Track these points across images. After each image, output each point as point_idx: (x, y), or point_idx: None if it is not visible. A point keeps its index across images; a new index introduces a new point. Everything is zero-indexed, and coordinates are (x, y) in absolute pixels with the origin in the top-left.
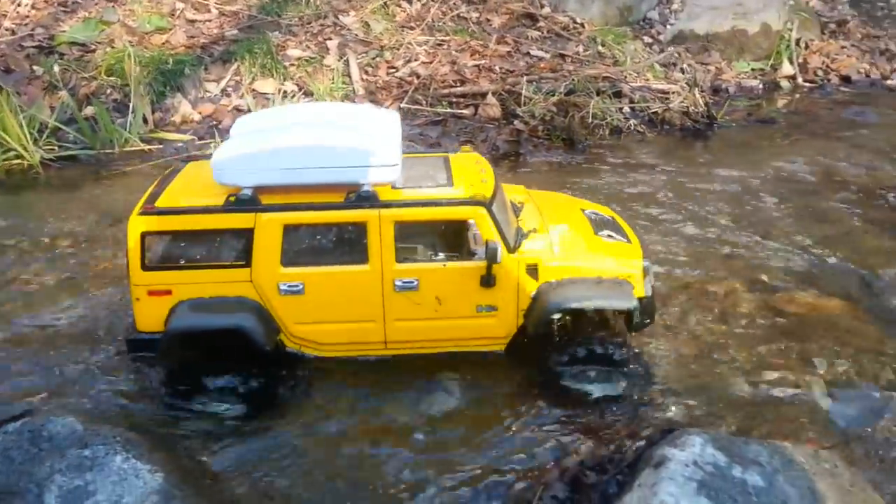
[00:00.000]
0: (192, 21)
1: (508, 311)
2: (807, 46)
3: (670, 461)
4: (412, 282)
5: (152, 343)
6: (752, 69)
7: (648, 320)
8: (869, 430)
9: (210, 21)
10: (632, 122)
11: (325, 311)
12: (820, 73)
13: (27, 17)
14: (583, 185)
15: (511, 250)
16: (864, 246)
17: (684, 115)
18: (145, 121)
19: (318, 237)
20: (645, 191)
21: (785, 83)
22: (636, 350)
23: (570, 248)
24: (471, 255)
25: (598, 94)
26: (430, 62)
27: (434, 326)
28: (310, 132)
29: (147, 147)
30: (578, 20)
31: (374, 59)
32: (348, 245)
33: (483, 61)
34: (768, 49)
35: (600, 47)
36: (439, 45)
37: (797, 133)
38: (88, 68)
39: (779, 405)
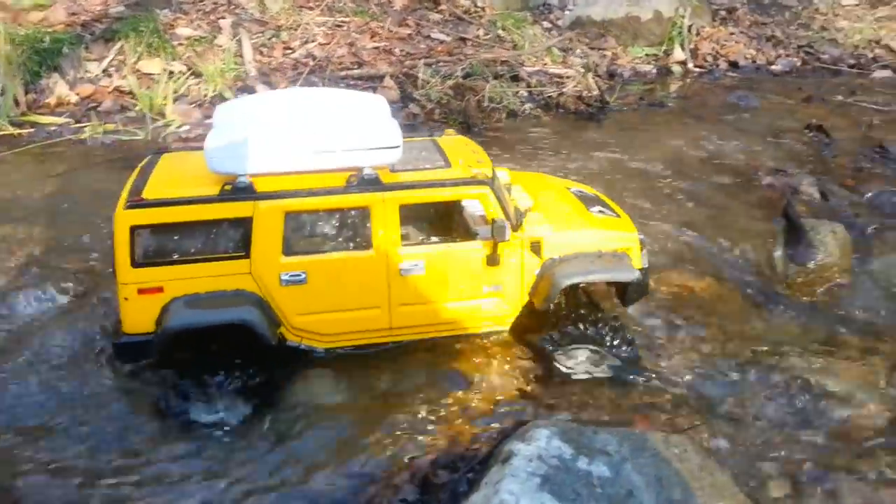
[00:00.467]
0: None
1: (515, 290)
2: (698, 33)
3: (515, 456)
4: (417, 264)
5: (143, 346)
6: (647, 54)
7: (644, 291)
8: (725, 409)
9: None
10: (527, 105)
11: (329, 300)
12: (710, 58)
13: None
14: None
15: (515, 228)
16: (736, 226)
17: (578, 99)
18: (17, 103)
19: (320, 224)
20: (537, 169)
21: (677, 68)
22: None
23: (569, 224)
24: (473, 235)
25: (496, 78)
26: (328, 43)
27: (440, 309)
28: (307, 116)
29: (17, 131)
30: (479, 4)
31: (269, 39)
32: (351, 231)
33: (383, 43)
34: (661, 35)
35: (500, 31)
36: (339, 26)
37: (684, 117)
38: None
39: (642, 389)
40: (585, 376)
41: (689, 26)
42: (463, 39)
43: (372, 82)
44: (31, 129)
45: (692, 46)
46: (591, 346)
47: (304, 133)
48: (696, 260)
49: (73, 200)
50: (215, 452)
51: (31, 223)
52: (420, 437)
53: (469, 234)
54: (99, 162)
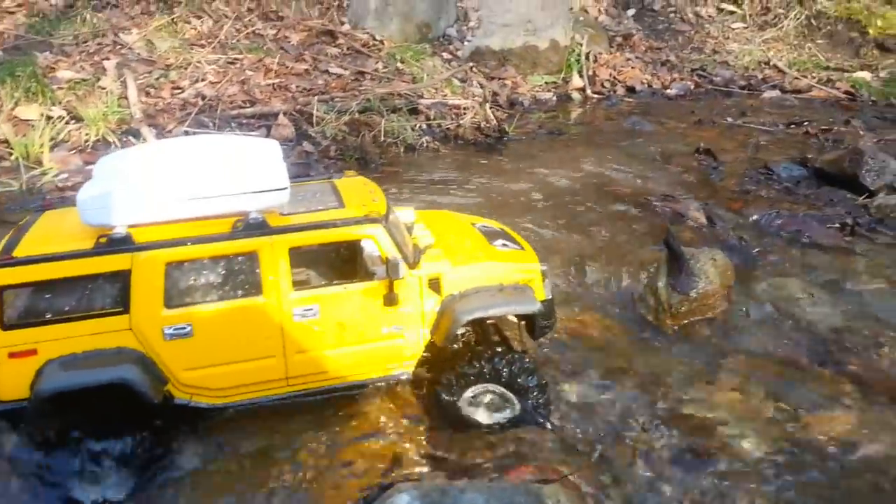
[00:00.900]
0: None
1: (415, 329)
2: (596, 59)
3: None
4: (312, 308)
5: (16, 413)
6: (546, 82)
7: (552, 323)
8: (607, 449)
9: None
10: (425, 138)
11: (219, 353)
12: (607, 84)
13: None
14: None
15: (411, 266)
16: (626, 256)
17: (477, 130)
18: None
19: (205, 273)
20: (434, 204)
21: (576, 95)
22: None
23: (469, 259)
24: (369, 275)
25: (394, 112)
26: (219, 82)
27: (339, 355)
28: (188, 162)
29: None
30: (378, 37)
31: (157, 79)
32: (239, 277)
33: (278, 80)
34: (559, 63)
35: (399, 64)
36: (231, 63)
37: (582, 143)
38: None
39: (528, 432)
40: (480, 419)
41: (587, 53)
42: (361, 73)
43: (266, 120)
44: None
45: (590, 73)
46: (490, 386)
47: (181, 180)
48: (585, 293)
49: None
50: None
51: None
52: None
53: (369, 275)
54: None
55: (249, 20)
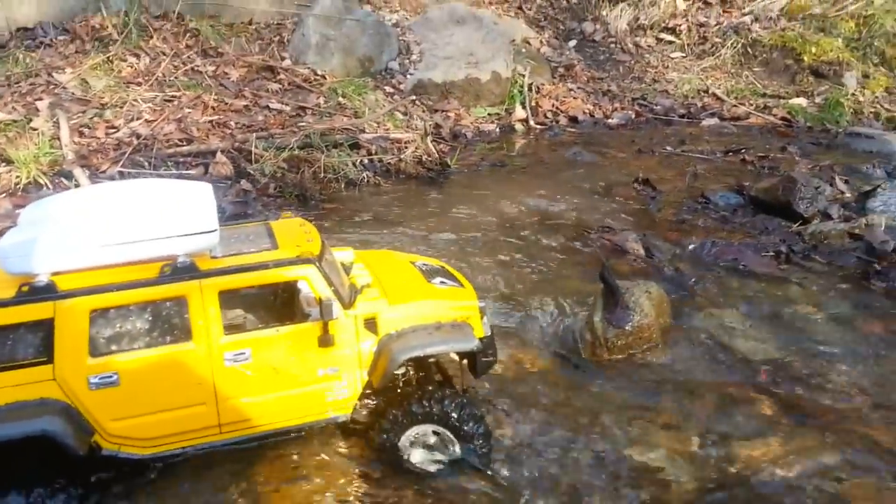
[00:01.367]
0: None
1: (352, 371)
2: (538, 90)
3: None
4: (244, 353)
5: None
6: (489, 114)
7: (492, 360)
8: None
9: None
10: (366, 173)
11: (147, 401)
12: (550, 115)
13: None
14: None
15: (346, 306)
16: (564, 290)
17: (418, 163)
18: None
19: (132, 319)
20: (374, 241)
21: (519, 126)
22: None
23: (406, 297)
24: (305, 317)
25: (335, 147)
26: (155, 120)
27: (273, 399)
28: (111, 207)
29: None
30: (319, 72)
31: (91, 118)
32: (168, 323)
33: (217, 117)
34: (501, 95)
35: (341, 98)
36: (169, 101)
37: (523, 175)
38: None
39: (464, 476)
40: (417, 461)
41: (530, 84)
42: (303, 108)
43: (204, 158)
44: None
45: (533, 104)
46: (434, 427)
47: (107, 224)
48: (522, 329)
49: None
50: None
51: None
52: None
53: (304, 317)
54: None
55: (188, 57)
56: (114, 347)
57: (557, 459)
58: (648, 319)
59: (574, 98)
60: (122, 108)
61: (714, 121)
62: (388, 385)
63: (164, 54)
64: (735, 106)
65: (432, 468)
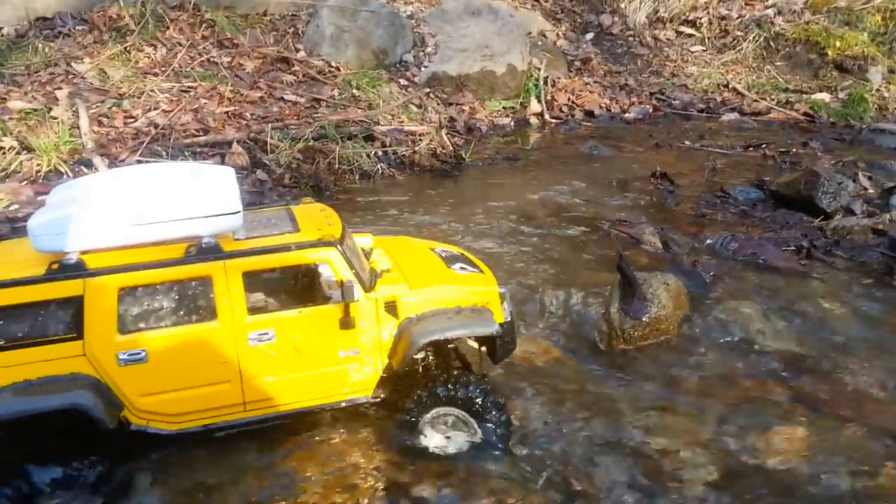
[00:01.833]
0: None
1: (373, 353)
2: (554, 84)
3: None
4: (267, 333)
5: None
6: (504, 108)
7: (512, 347)
8: (560, 480)
9: None
10: (380, 165)
11: (174, 378)
12: (566, 109)
13: None
14: None
15: (367, 289)
16: (579, 281)
17: (433, 156)
18: None
19: (159, 297)
20: (390, 230)
21: (534, 120)
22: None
23: (426, 282)
24: (326, 300)
25: (350, 139)
26: (172, 111)
27: (296, 380)
28: (141, 187)
29: None
30: (334, 64)
31: (110, 108)
32: (193, 302)
33: (232, 108)
34: (517, 88)
35: (355, 91)
36: (185, 91)
37: (538, 169)
38: None
39: (481, 463)
40: (437, 443)
41: (545, 78)
42: (317, 100)
43: (220, 149)
44: None
45: (548, 98)
46: (456, 411)
47: (134, 205)
48: (539, 318)
49: None
50: None
51: None
52: None
53: (325, 300)
54: None
55: (204, 48)
56: (141, 325)
57: (573, 447)
58: (666, 311)
59: (590, 92)
60: (139, 98)
61: (734, 116)
62: (408, 369)
63: (180, 45)
64: (756, 101)
65: (451, 450)
